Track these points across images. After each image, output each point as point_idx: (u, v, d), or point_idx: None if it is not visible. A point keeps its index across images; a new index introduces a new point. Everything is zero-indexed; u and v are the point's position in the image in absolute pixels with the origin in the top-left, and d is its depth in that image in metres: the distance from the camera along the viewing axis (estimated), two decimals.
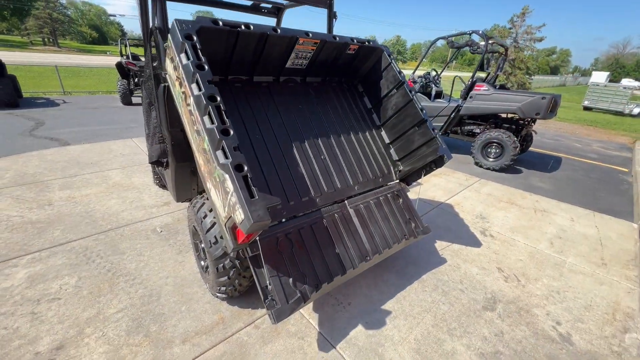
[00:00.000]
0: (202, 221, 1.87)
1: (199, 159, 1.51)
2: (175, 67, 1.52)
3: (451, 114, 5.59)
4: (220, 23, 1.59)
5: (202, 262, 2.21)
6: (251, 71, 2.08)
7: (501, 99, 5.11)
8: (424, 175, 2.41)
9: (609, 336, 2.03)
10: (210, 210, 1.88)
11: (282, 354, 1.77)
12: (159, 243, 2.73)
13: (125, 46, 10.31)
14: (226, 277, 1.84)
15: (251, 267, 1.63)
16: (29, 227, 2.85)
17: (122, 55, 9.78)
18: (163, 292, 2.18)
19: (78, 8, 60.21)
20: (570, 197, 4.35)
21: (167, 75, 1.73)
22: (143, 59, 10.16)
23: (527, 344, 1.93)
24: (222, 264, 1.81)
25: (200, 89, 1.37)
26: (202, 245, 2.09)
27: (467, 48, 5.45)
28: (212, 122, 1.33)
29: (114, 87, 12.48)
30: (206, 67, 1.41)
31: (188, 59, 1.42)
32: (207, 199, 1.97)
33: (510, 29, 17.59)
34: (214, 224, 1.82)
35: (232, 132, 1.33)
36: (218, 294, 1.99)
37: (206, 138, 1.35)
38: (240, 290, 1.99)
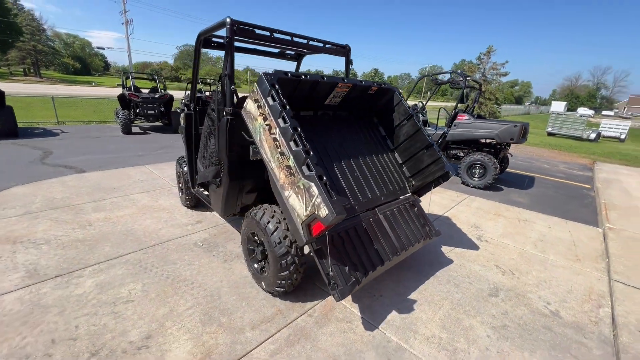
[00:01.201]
0: (265, 226, 2.29)
1: (279, 174, 1.99)
2: (259, 107, 2.04)
3: (439, 139, 6.38)
4: (289, 74, 2.16)
5: (256, 265, 2.59)
6: (299, 108, 2.63)
7: (480, 126, 5.96)
8: (433, 188, 2.98)
9: (587, 311, 2.56)
10: (272, 217, 2.31)
11: (337, 334, 2.15)
12: (204, 254, 3.07)
13: (127, 79, 10.97)
14: (287, 272, 2.24)
15: (316, 258, 2.07)
16: (79, 244, 3.11)
17: (123, 87, 10.38)
18: (222, 292, 2.52)
19: (63, 40, 60.67)
20: (545, 209, 5.06)
21: (245, 112, 2.23)
22: (144, 91, 10.96)
23: (527, 319, 2.42)
24: (284, 260, 2.22)
25: (285, 122, 1.89)
26: (260, 248, 2.48)
27: (449, 84, 6.38)
28: (297, 146, 1.83)
29: (106, 117, 12.77)
30: (287, 107, 1.94)
31: (274, 100, 1.95)
32: (266, 208, 2.41)
33: (478, 65, 19.86)
34: (277, 227, 2.25)
35: (311, 153, 1.83)
36: (276, 288, 2.36)
37: (291, 157, 1.84)
38: (295, 284, 2.38)
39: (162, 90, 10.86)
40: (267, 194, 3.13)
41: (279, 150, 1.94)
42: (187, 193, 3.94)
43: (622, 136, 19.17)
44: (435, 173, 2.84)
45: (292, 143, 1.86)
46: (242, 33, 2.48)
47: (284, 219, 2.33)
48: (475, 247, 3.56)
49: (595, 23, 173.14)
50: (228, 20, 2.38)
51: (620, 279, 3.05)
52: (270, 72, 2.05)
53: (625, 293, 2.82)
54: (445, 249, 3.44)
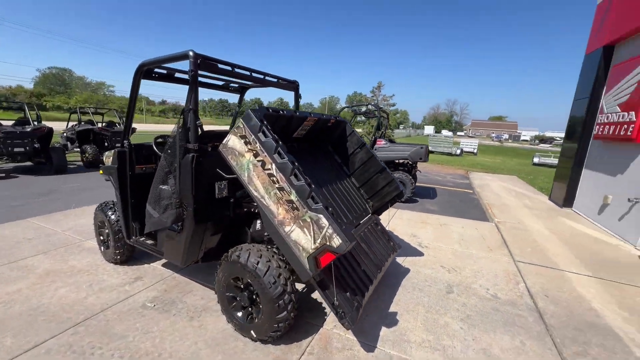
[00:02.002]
0: (255, 268, 2.13)
1: (277, 209, 1.93)
2: (247, 143, 1.98)
3: None
4: (271, 110, 2.18)
5: (240, 314, 2.34)
6: None
7: (395, 149, 7.00)
8: (390, 207, 3.35)
9: (512, 289, 3.28)
10: (261, 256, 2.18)
11: None
12: (160, 317, 2.57)
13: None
14: (285, 312, 2.12)
15: (319, 290, 2.04)
16: None
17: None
18: (202, 356, 2.16)
19: None
20: (453, 213, 6.23)
21: (225, 149, 2.10)
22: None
23: (480, 306, 2.93)
24: (281, 301, 2.10)
25: (282, 157, 1.89)
26: (245, 294, 2.27)
27: (367, 114, 7.33)
28: (299, 180, 1.85)
29: None
30: (280, 142, 1.95)
31: (266, 136, 1.93)
32: (249, 248, 2.26)
33: (372, 97, 23.37)
34: (269, 266, 2.13)
35: (313, 185, 1.87)
36: (272, 334, 2.18)
37: (293, 192, 1.84)
38: (291, 324, 2.25)
39: (36, 123, 8.71)
40: (234, 233, 2.91)
41: (277, 185, 1.91)
42: (117, 246, 3.24)
43: (475, 151, 25.30)
44: (391, 193, 3.23)
45: (292, 178, 1.86)
46: (205, 67, 2.37)
47: (273, 256, 2.24)
48: (420, 253, 4.10)
49: (444, 66, 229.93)
50: (191, 53, 2.25)
51: (520, 259, 4.02)
52: (256, 108, 2.04)
53: (527, 269, 3.73)
54: (399, 259, 3.84)
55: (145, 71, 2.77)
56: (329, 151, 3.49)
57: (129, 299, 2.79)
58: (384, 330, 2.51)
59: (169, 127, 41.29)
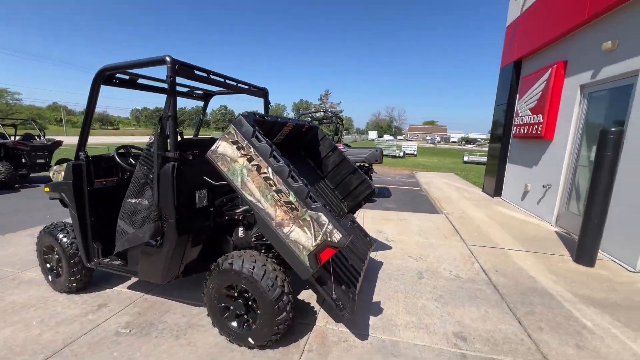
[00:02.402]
0: (251, 273, 2.13)
1: (275, 212, 1.98)
2: (240, 148, 1.99)
3: None
4: (258, 116, 2.22)
5: (235, 323, 2.29)
6: None
7: (353, 153, 7.39)
8: (363, 205, 3.58)
9: (469, 268, 3.76)
10: (255, 261, 2.18)
11: (344, 355, 2.24)
12: (140, 341, 2.37)
13: None
14: (284, 314, 2.15)
15: (317, 286, 2.13)
16: None
17: None
18: None
19: None
20: (408, 209, 6.81)
21: (214, 155, 2.07)
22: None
23: (448, 286, 3.30)
24: (280, 302, 2.13)
25: (278, 161, 1.95)
26: (240, 301, 2.24)
27: (324, 120, 7.60)
28: (296, 181, 1.93)
29: None
30: (273, 146, 2.01)
31: (260, 141, 1.97)
32: (240, 255, 2.24)
33: (321, 104, 24.09)
34: (265, 270, 2.15)
35: (309, 186, 1.97)
36: (272, 337, 2.18)
37: (291, 193, 1.92)
38: (290, 325, 2.28)
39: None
40: (215, 243, 2.82)
41: (274, 188, 1.96)
42: (72, 272, 2.87)
43: (415, 153, 27.75)
44: (364, 192, 3.46)
45: (290, 180, 1.94)
46: (181, 73, 2.31)
47: (267, 259, 2.25)
48: (388, 247, 4.42)
49: (383, 73, 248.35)
50: (168, 59, 2.18)
51: (470, 243, 4.61)
52: (246, 114, 2.06)
53: (478, 251, 4.31)
54: (372, 254, 4.10)
55: (107, 77, 2.57)
56: (302, 155, 3.60)
57: (96, 329, 2.50)
58: (372, 319, 2.68)
59: (105, 140, 36.79)
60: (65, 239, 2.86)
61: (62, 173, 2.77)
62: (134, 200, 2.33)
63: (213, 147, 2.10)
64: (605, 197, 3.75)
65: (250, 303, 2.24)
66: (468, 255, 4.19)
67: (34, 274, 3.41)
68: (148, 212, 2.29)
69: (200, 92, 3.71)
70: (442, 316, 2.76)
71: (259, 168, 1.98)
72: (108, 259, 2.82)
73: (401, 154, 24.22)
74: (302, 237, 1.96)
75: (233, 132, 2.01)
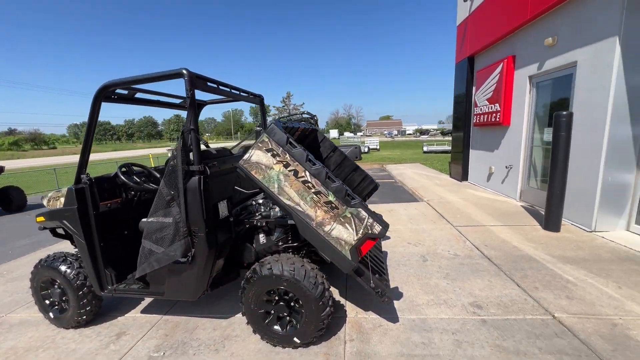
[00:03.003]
0: (293, 275, 2.20)
1: (315, 212, 2.08)
2: (275, 155, 2.06)
3: None
4: (281, 123, 2.29)
5: (277, 327, 2.34)
6: None
7: None
8: (367, 200, 3.78)
9: (462, 246, 4.17)
10: (293, 263, 2.26)
11: (383, 338, 2.41)
12: None
13: None
14: (328, 308, 2.26)
15: (356, 277, 2.27)
16: None
17: None
18: None
19: None
20: (392, 200, 7.21)
21: (247, 164, 2.11)
22: None
23: (450, 264, 3.64)
24: (324, 298, 2.23)
25: (314, 164, 2.06)
26: (281, 304, 2.29)
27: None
28: (333, 182, 2.05)
29: None
30: (306, 150, 2.11)
31: (294, 147, 2.06)
32: (276, 259, 2.30)
33: (284, 106, 24.06)
34: (305, 270, 2.23)
35: (344, 184, 2.10)
36: (318, 332, 2.28)
37: (331, 193, 2.04)
38: (332, 318, 2.39)
39: None
40: (236, 253, 2.82)
41: (313, 190, 2.06)
42: (81, 304, 2.67)
43: (378, 147, 28.95)
44: (368, 187, 3.67)
45: (327, 180, 2.05)
46: (197, 85, 2.30)
47: (302, 260, 2.34)
48: (387, 237, 4.70)
49: (339, 73, 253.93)
50: (185, 72, 2.16)
51: (456, 224, 5.07)
52: (276, 122, 2.13)
53: (465, 230, 4.77)
54: None
55: (110, 93, 2.45)
56: None
57: (125, 358, 2.38)
58: (397, 303, 2.89)
59: (41, 162, 32.75)
60: (69, 270, 2.65)
61: (61, 199, 2.57)
62: (160, 219, 2.27)
63: (245, 157, 2.13)
64: (564, 172, 4.40)
65: (292, 304, 2.31)
66: (458, 235, 4.62)
67: (23, 314, 3.09)
68: (176, 229, 2.24)
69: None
70: (455, 291, 3.06)
71: (296, 173, 2.07)
72: (124, 284, 2.67)
73: (366, 149, 25.12)
74: (343, 233, 2.09)
75: (267, 140, 2.07)
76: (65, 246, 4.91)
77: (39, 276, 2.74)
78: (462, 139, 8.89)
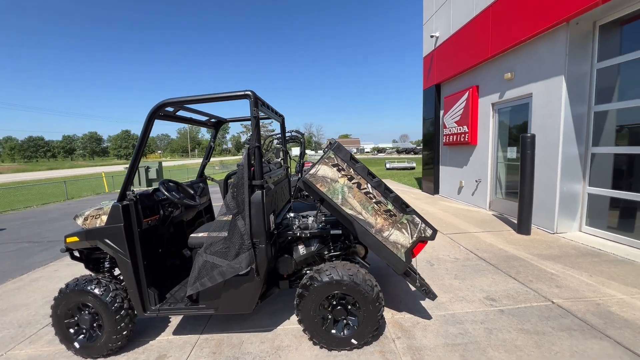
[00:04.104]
0: (352, 279, 2.40)
1: (376, 220, 2.34)
2: (340, 169, 2.31)
3: (296, 184, 7.69)
4: None
5: (334, 331, 2.48)
6: None
7: None
8: None
9: (458, 251, 4.68)
10: (349, 268, 2.46)
11: (426, 333, 2.69)
12: None
13: None
14: (382, 308, 2.48)
15: (406, 278, 2.54)
16: None
17: None
18: None
19: None
20: None
21: (314, 178, 2.31)
22: None
23: (455, 266, 4.09)
24: (380, 299, 2.45)
25: (375, 177, 2.34)
26: (338, 308, 2.46)
27: (292, 140, 7.94)
28: (391, 192, 2.35)
29: None
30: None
31: (356, 162, 2.33)
32: (332, 266, 2.49)
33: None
34: (361, 275, 2.45)
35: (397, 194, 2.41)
36: (374, 332, 2.47)
37: (389, 202, 2.33)
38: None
39: None
40: (279, 264, 2.92)
41: (374, 200, 2.33)
42: (118, 329, 2.52)
43: None
44: None
45: (386, 191, 2.34)
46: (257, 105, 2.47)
47: (353, 265, 2.56)
48: None
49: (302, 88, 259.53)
50: (251, 93, 2.35)
51: (446, 232, 5.63)
52: (336, 140, 2.39)
53: (455, 237, 5.32)
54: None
55: (164, 111, 2.50)
56: None
57: None
58: (424, 304, 3.20)
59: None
60: (105, 292, 2.51)
61: (103, 217, 2.47)
62: (222, 232, 2.33)
63: (312, 171, 2.34)
64: (531, 183, 5.25)
65: (349, 307, 2.49)
66: (451, 241, 5.16)
67: (29, 350, 2.77)
68: (242, 242, 2.33)
69: (214, 120, 3.71)
70: (468, 288, 3.48)
71: (359, 185, 2.33)
72: (169, 304, 2.60)
73: None
74: (400, 237, 2.37)
75: (333, 156, 2.32)
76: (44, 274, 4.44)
77: (65, 302, 2.53)
78: (432, 157, 9.86)
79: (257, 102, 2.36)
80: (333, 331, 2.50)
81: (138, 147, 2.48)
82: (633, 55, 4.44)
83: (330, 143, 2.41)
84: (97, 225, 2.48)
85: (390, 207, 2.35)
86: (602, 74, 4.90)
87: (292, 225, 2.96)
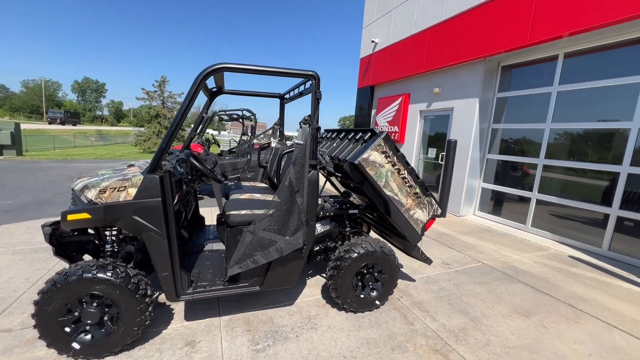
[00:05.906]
0: (382, 249, 2.82)
1: (407, 200, 2.80)
2: (387, 157, 2.65)
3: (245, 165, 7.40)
4: None
5: (363, 295, 2.86)
6: None
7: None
8: None
9: (464, 257, 5.72)
10: (378, 242, 2.87)
11: (419, 291, 3.37)
12: (285, 346, 2.44)
13: None
14: (399, 271, 3.00)
15: (410, 253, 3.13)
16: None
17: None
18: (357, 345, 2.58)
19: None
20: None
21: (365, 162, 2.57)
22: None
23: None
24: (397, 266, 2.96)
25: (409, 165, 2.79)
26: (368, 276, 2.85)
27: (241, 118, 7.53)
28: (419, 178, 2.86)
29: None
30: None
31: (398, 151, 2.72)
32: (361, 241, 2.86)
33: (156, 92, 20.35)
34: (388, 246, 2.90)
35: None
36: (390, 294, 2.97)
37: (417, 186, 2.84)
38: None
39: None
40: None
41: (407, 184, 2.78)
42: (140, 320, 2.18)
43: None
44: None
45: (415, 177, 2.83)
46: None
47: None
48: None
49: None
50: (315, 74, 2.41)
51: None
52: (384, 132, 2.70)
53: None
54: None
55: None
56: None
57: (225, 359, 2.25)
58: (404, 270, 3.92)
59: None
60: (125, 279, 2.12)
61: (130, 190, 2.07)
62: (281, 209, 2.35)
63: (364, 156, 2.59)
64: (450, 178, 6.79)
65: (375, 274, 2.91)
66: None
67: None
68: (299, 219, 2.40)
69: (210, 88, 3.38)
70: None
71: (399, 171, 2.73)
72: (202, 286, 2.40)
73: None
74: (420, 215, 2.92)
75: (382, 144, 2.63)
76: None
77: (62, 296, 2.01)
78: None
79: (319, 83, 2.43)
80: (362, 296, 2.88)
81: (181, 113, 2.16)
82: (513, 92, 6.35)
83: (378, 132, 2.71)
84: (122, 200, 2.06)
85: (417, 190, 2.87)
86: (499, 101, 6.76)
87: None
